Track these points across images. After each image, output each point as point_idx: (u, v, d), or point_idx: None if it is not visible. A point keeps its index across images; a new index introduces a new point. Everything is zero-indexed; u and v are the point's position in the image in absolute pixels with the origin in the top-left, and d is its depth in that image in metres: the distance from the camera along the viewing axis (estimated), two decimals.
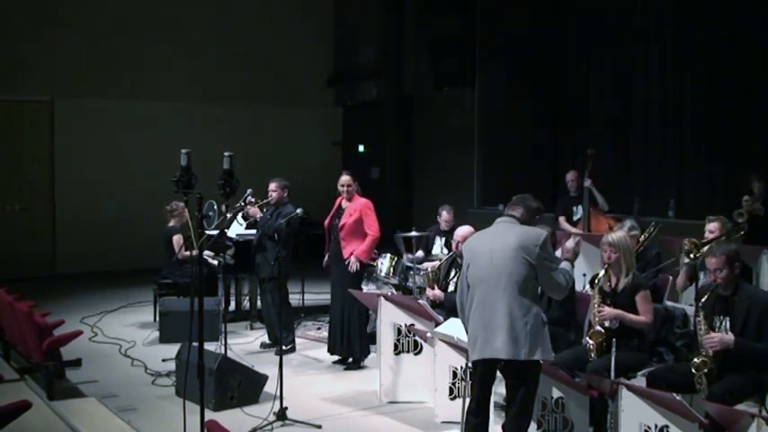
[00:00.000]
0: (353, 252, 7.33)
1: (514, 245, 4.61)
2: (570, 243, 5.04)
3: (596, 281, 5.59)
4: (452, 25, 12.14)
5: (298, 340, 8.21)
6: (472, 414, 4.80)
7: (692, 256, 6.37)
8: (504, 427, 4.81)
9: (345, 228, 7.38)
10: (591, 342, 5.45)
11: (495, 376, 4.84)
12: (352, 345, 7.39)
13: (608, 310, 5.47)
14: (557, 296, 4.94)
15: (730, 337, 4.91)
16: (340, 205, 7.55)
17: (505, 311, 4.55)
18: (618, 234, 5.76)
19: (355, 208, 7.41)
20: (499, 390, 6.26)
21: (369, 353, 7.44)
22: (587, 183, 8.69)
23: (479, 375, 4.78)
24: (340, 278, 7.42)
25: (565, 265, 4.83)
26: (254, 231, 9.07)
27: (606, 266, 5.58)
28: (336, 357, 7.54)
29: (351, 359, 7.48)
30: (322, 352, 7.74)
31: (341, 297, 7.38)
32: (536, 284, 4.66)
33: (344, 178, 7.52)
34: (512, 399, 4.72)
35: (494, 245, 4.70)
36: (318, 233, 7.96)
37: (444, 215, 8.89)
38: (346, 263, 7.35)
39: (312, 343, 8.35)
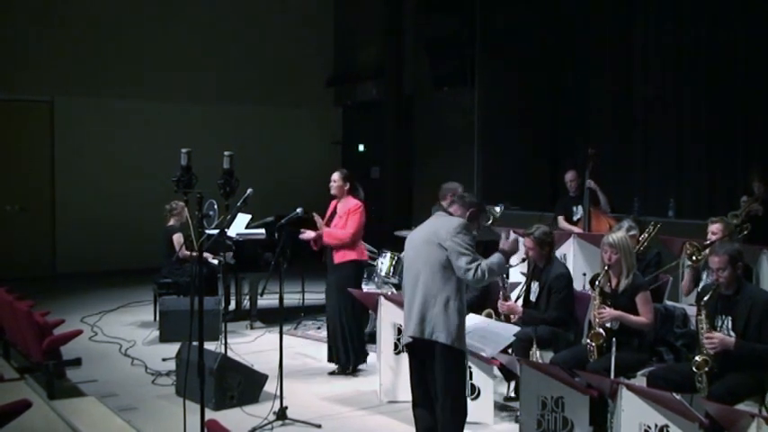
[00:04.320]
0: (324, 233, 7.09)
1: (433, 232, 4.87)
2: (511, 237, 5.09)
3: (597, 281, 5.59)
4: (452, 25, 12.15)
5: (297, 340, 8.18)
6: (413, 405, 4.99)
7: (694, 258, 6.36)
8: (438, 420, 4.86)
9: None
10: (591, 344, 5.44)
11: (425, 364, 4.85)
12: (348, 350, 7.17)
13: (608, 312, 5.47)
14: (469, 283, 4.91)
15: (731, 339, 4.92)
16: (335, 208, 7.32)
17: (420, 294, 4.80)
18: (618, 234, 5.74)
19: (345, 210, 7.18)
20: (499, 389, 6.30)
21: (365, 357, 7.26)
22: (591, 184, 8.65)
23: (409, 360, 5.02)
24: (335, 283, 7.18)
25: (496, 257, 4.82)
26: (254, 231, 9.09)
27: (607, 267, 5.58)
28: (334, 367, 7.31)
29: (348, 365, 7.25)
30: (322, 352, 7.70)
31: (335, 302, 7.18)
32: (453, 271, 4.77)
33: (334, 175, 7.29)
34: (436, 391, 4.80)
35: (419, 234, 4.99)
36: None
37: None
38: (338, 267, 7.12)
39: (312, 343, 8.34)
